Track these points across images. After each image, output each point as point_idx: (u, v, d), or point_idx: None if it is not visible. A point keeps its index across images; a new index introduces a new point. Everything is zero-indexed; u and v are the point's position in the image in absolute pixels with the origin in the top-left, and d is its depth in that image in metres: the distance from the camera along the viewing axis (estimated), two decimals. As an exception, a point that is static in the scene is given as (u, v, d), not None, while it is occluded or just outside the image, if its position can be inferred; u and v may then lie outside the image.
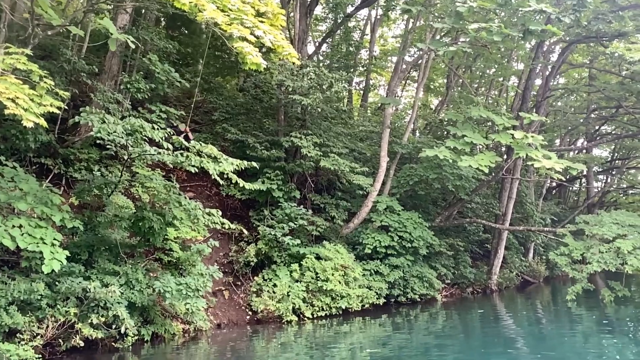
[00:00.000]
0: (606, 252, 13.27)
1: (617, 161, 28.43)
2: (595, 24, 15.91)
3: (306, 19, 17.78)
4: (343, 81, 17.00)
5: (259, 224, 13.65)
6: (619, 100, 19.55)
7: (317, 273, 13.07)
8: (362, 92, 26.31)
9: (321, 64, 22.28)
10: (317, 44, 23.83)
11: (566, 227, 16.05)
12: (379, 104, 24.21)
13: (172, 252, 11.21)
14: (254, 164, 9.89)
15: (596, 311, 15.09)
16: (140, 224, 9.64)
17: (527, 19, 13.04)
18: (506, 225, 19.13)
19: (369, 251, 14.86)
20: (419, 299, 15.62)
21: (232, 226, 10.60)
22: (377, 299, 14.34)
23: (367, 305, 14.04)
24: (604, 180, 30.37)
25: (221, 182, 9.82)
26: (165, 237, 10.76)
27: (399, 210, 15.90)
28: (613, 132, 26.01)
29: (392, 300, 15.26)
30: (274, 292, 12.52)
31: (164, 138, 8.98)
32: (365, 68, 23.12)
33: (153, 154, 9.14)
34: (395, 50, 24.99)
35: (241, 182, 9.58)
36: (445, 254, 17.45)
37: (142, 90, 11.77)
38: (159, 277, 9.88)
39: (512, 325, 13.68)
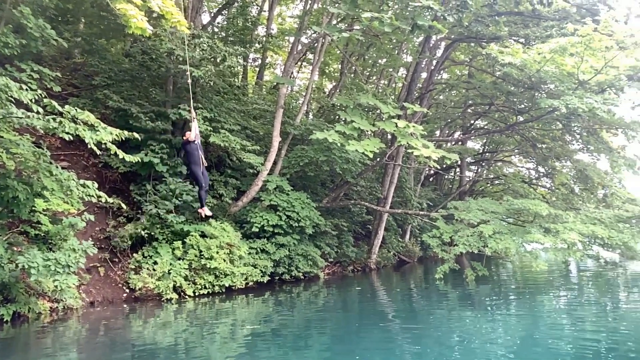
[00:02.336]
0: (471, 235, 14.63)
1: (486, 154, 31.29)
2: (475, 26, 17.29)
3: (202, -13, 17.14)
4: (237, 56, 16.64)
5: (141, 198, 13.05)
6: (491, 98, 21.43)
7: (201, 251, 12.87)
8: (257, 69, 26.00)
9: (216, 36, 21.61)
10: (212, 14, 23.05)
11: (439, 211, 17.44)
12: (274, 83, 24.15)
13: (40, 225, 10.31)
14: (136, 135, 9.38)
15: (460, 288, 16.62)
16: (2, 193, 8.71)
17: (417, 13, 13.75)
18: (387, 208, 20.31)
19: (257, 230, 14.92)
20: (302, 277, 16.09)
21: (110, 200, 9.99)
22: (261, 277, 14.51)
23: (251, 283, 14.17)
24: (475, 171, 33.32)
25: (98, 152, 9.17)
26: (33, 208, 9.87)
27: (289, 190, 16.13)
28: (485, 127, 28.55)
29: (277, 278, 15.54)
30: (154, 270, 12.12)
31: (33, 100, 8.15)
32: (261, 45, 22.83)
33: (20, 117, 8.27)
34: (292, 30, 25.00)
35: (121, 154, 9.03)
36: (330, 234, 18.10)
37: (10, 46, 10.49)
38: (23, 252, 9.07)
39: (386, 301, 14.62)
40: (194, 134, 9.61)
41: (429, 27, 13.73)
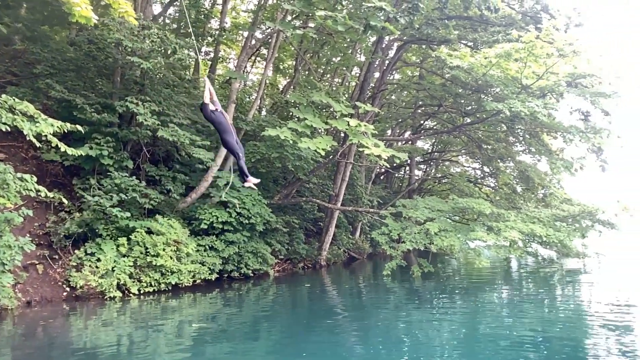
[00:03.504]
0: (418, 233, 15.02)
1: (435, 153, 32.11)
2: (425, 28, 17.70)
3: (153, -23, 16.73)
4: (189, 49, 16.29)
5: (84, 193, 12.55)
6: (440, 100, 22.02)
7: (147, 248, 12.56)
8: (210, 62, 25.55)
9: (167, 28, 21.09)
10: (164, 5, 22.47)
11: (388, 209, 17.77)
12: (227, 77, 23.82)
13: (-28, 221, 9.74)
14: (80, 127, 9.02)
15: (407, 285, 17.02)
16: None
17: (370, 14, 13.95)
18: (338, 205, 20.50)
19: (205, 226, 14.69)
20: (252, 274, 15.99)
21: (50, 194, 9.56)
22: (209, 274, 14.32)
23: (198, 281, 13.97)
24: (424, 169, 34.13)
25: (38, 144, 8.75)
26: (-36, 203, 9.30)
27: (239, 187, 15.97)
28: (434, 128, 29.29)
29: (226, 275, 15.39)
30: (97, 267, 11.71)
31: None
32: (214, 39, 22.46)
33: (-50, 106, 7.78)
34: (246, 25, 24.70)
35: (62, 147, 8.66)
36: (281, 231, 18.06)
37: (-60, 29, 9.86)
38: (-48, 249, 8.56)
39: (335, 298, 14.77)
40: (207, 96, 7.85)
41: (382, 28, 13.96)
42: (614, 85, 15.96)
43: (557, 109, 18.30)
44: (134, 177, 13.39)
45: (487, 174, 29.26)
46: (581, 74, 15.15)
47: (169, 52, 14.85)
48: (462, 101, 21.00)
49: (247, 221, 15.32)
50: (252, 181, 7.98)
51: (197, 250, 14.09)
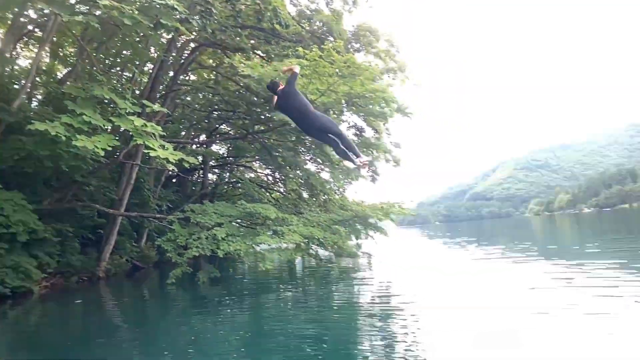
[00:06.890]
0: (205, 238, 14.89)
1: (230, 158, 32.42)
2: (220, 34, 17.75)
3: None
4: None
5: None
6: (234, 106, 22.31)
7: None
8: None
9: None
10: None
11: (176, 214, 17.22)
12: (-13, 59, 20.18)
13: None
14: None
15: (194, 291, 16.67)
16: None
17: (162, 12, 13.39)
18: (121, 210, 19.04)
19: (-54, 237, 12.14)
20: (10, 293, 13.71)
21: None
22: (-52, 297, 11.85)
23: None
24: (219, 174, 34.12)
25: None
26: None
27: (-6, 190, 13.63)
28: (229, 132, 29.53)
29: (-27, 297, 12.92)
30: None
31: None
32: (-31, 11, 18.78)
33: None
34: (16, 1, 21.31)
35: None
36: (50, 241, 15.94)
37: None
38: None
39: (113, 312, 13.63)
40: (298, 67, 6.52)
41: (175, 28, 13.50)
42: (384, 108, 18.32)
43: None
44: None
45: (277, 180, 30.64)
46: (356, 94, 16.96)
47: None
48: (255, 109, 21.62)
49: (5, 230, 13.14)
50: (364, 159, 6.25)
51: None
